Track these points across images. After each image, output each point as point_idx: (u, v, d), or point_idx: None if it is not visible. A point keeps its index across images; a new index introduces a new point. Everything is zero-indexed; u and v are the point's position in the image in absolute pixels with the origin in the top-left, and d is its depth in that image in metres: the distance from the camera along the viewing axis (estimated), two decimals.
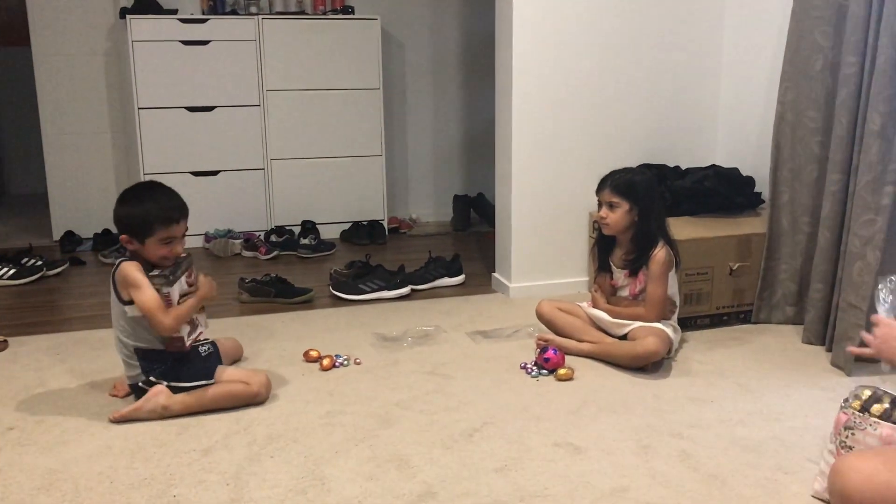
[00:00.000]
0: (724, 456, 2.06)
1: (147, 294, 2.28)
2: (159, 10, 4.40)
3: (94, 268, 4.07)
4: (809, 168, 2.91)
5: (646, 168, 3.38)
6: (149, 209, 2.30)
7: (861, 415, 1.73)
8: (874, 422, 1.70)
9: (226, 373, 2.42)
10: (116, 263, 2.35)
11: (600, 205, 2.74)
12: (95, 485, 1.94)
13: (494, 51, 3.49)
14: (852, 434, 1.74)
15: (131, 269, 2.30)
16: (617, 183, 2.70)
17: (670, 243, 2.72)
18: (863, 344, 1.74)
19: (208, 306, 2.59)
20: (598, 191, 2.75)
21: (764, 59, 3.32)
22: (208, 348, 2.49)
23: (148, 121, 4.36)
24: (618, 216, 2.69)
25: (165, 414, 2.29)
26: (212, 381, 2.37)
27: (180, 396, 2.32)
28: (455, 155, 5.32)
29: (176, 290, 2.36)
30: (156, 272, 2.34)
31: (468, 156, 5.32)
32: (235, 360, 2.71)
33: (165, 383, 2.33)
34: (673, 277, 2.75)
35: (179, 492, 1.91)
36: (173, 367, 2.37)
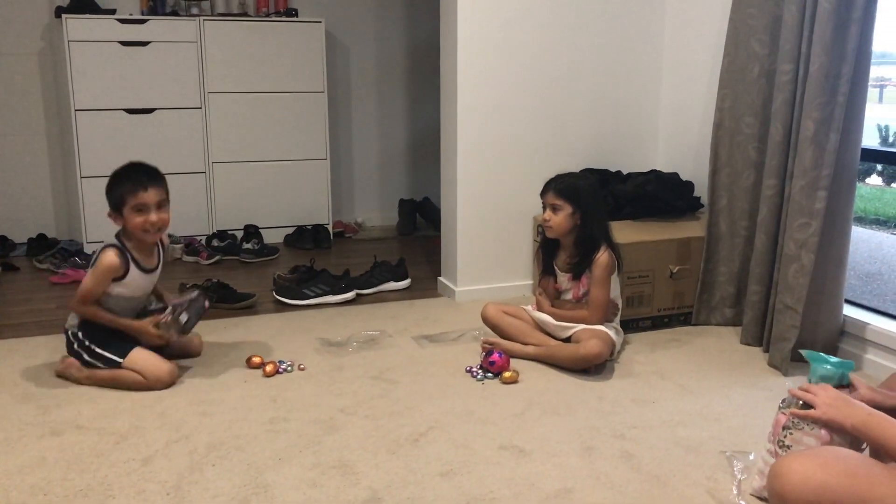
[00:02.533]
0: (665, 456, 2.09)
1: (90, 280, 2.50)
2: (97, 10, 4.30)
3: (27, 274, 3.95)
4: (746, 173, 2.98)
5: (589, 173, 3.42)
6: (120, 181, 2.51)
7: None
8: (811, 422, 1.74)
9: (134, 357, 2.50)
10: (111, 241, 2.54)
11: (544, 207, 2.77)
12: (28, 498, 1.88)
13: (439, 55, 3.50)
14: (790, 434, 1.78)
15: (107, 262, 2.49)
16: (560, 186, 2.73)
17: (613, 247, 2.75)
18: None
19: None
20: (543, 193, 2.77)
21: (703, 66, 3.39)
22: None
23: (85, 123, 4.25)
24: (560, 219, 2.72)
25: (77, 381, 2.52)
26: (120, 361, 2.50)
27: (87, 372, 2.52)
28: (400, 159, 5.31)
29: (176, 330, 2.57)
30: (163, 321, 2.54)
31: (414, 160, 5.32)
32: (191, 355, 2.79)
33: (94, 350, 2.52)
34: (615, 280, 2.79)
35: (118, 502, 1.86)
36: (109, 334, 2.55)
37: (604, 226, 2.77)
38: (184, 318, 2.56)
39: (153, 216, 2.50)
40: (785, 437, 1.79)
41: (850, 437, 1.68)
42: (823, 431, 1.71)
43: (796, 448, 1.76)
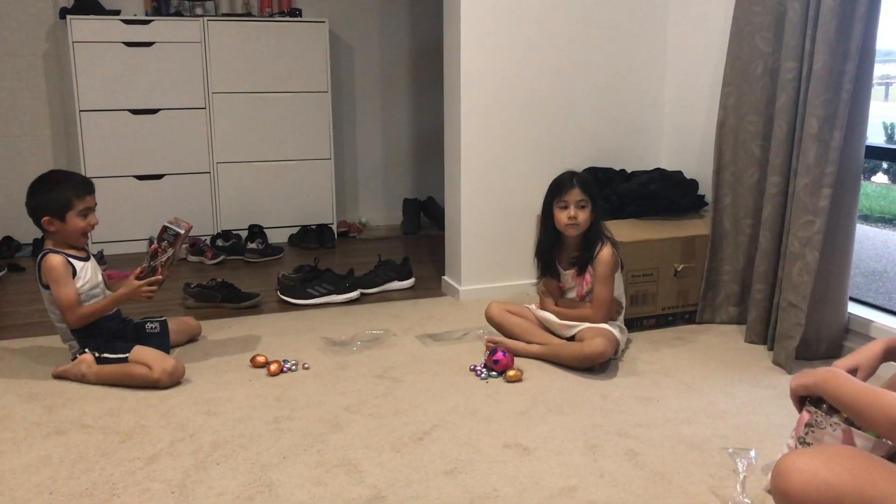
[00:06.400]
0: (670, 454, 2.09)
1: (63, 291, 2.55)
2: (101, 11, 4.31)
3: (33, 274, 3.92)
4: (750, 171, 2.98)
5: (593, 172, 3.43)
6: (64, 186, 2.59)
7: (825, 415, 1.75)
8: (835, 423, 1.72)
9: (139, 353, 2.55)
10: (42, 253, 2.59)
11: (564, 207, 2.70)
12: (34, 496, 1.89)
13: (443, 55, 3.50)
14: (812, 432, 1.76)
15: (56, 264, 2.55)
16: (583, 181, 2.71)
17: (613, 244, 2.75)
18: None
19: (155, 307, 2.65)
20: (565, 192, 2.69)
21: (707, 64, 3.39)
22: (155, 326, 2.79)
23: (90, 123, 4.27)
24: (587, 215, 2.70)
25: (83, 381, 2.55)
26: (126, 356, 2.55)
27: (97, 368, 2.54)
28: (405, 158, 5.32)
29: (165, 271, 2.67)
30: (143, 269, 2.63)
31: (418, 159, 5.32)
32: (192, 338, 2.95)
33: (97, 354, 2.56)
34: (619, 278, 2.78)
35: (123, 501, 1.86)
36: (106, 340, 2.61)
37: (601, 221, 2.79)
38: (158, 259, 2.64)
39: (94, 219, 2.63)
40: (807, 433, 1.77)
41: (872, 444, 1.67)
42: (843, 433, 1.70)
43: (816, 447, 1.74)
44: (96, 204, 2.65)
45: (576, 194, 2.69)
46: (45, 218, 2.57)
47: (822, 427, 1.73)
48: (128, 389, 2.50)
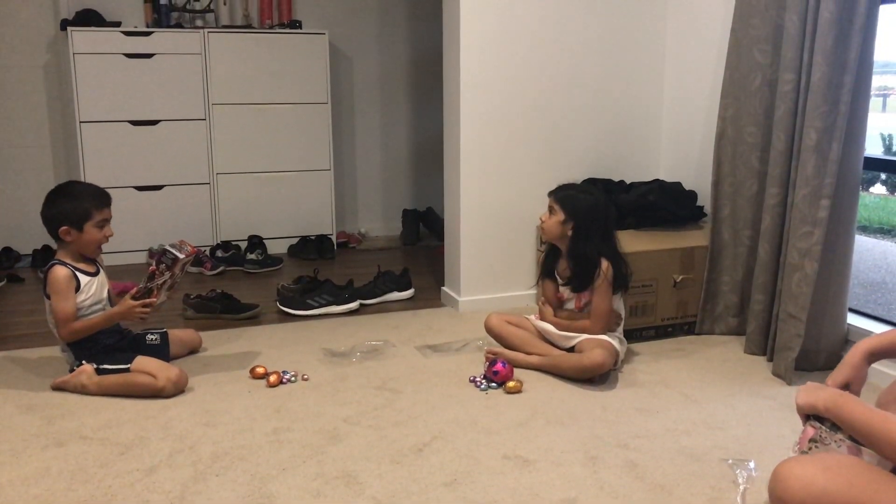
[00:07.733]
0: (670, 465, 2.09)
1: (61, 305, 2.55)
2: (102, 23, 4.32)
3: (32, 285, 3.96)
4: (749, 182, 2.98)
5: (592, 182, 3.43)
6: (84, 197, 2.61)
7: (829, 431, 1.74)
8: (839, 439, 1.71)
9: (141, 362, 2.57)
10: (50, 263, 2.60)
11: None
12: None
13: (442, 66, 3.51)
14: (816, 447, 1.74)
15: (61, 277, 2.55)
16: (561, 194, 2.75)
17: (618, 263, 2.73)
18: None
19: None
20: (549, 194, 2.80)
21: (705, 76, 3.40)
22: (155, 338, 2.80)
23: (90, 135, 4.27)
24: (551, 222, 2.75)
25: (84, 391, 2.54)
26: (128, 366, 2.55)
27: (98, 378, 2.54)
28: (404, 169, 5.33)
29: (164, 294, 2.66)
30: (141, 287, 2.60)
31: (417, 170, 5.33)
32: (193, 350, 2.93)
33: (96, 365, 2.56)
34: None
35: None
36: (102, 352, 2.61)
37: (604, 246, 2.71)
38: (160, 279, 2.60)
39: (110, 230, 2.66)
40: (809, 448, 1.75)
41: (877, 460, 1.66)
42: (847, 450, 1.69)
43: (816, 454, 1.73)
44: (111, 216, 2.66)
45: (551, 199, 2.78)
46: (63, 228, 2.57)
47: (826, 443, 1.71)
48: (127, 400, 2.49)
